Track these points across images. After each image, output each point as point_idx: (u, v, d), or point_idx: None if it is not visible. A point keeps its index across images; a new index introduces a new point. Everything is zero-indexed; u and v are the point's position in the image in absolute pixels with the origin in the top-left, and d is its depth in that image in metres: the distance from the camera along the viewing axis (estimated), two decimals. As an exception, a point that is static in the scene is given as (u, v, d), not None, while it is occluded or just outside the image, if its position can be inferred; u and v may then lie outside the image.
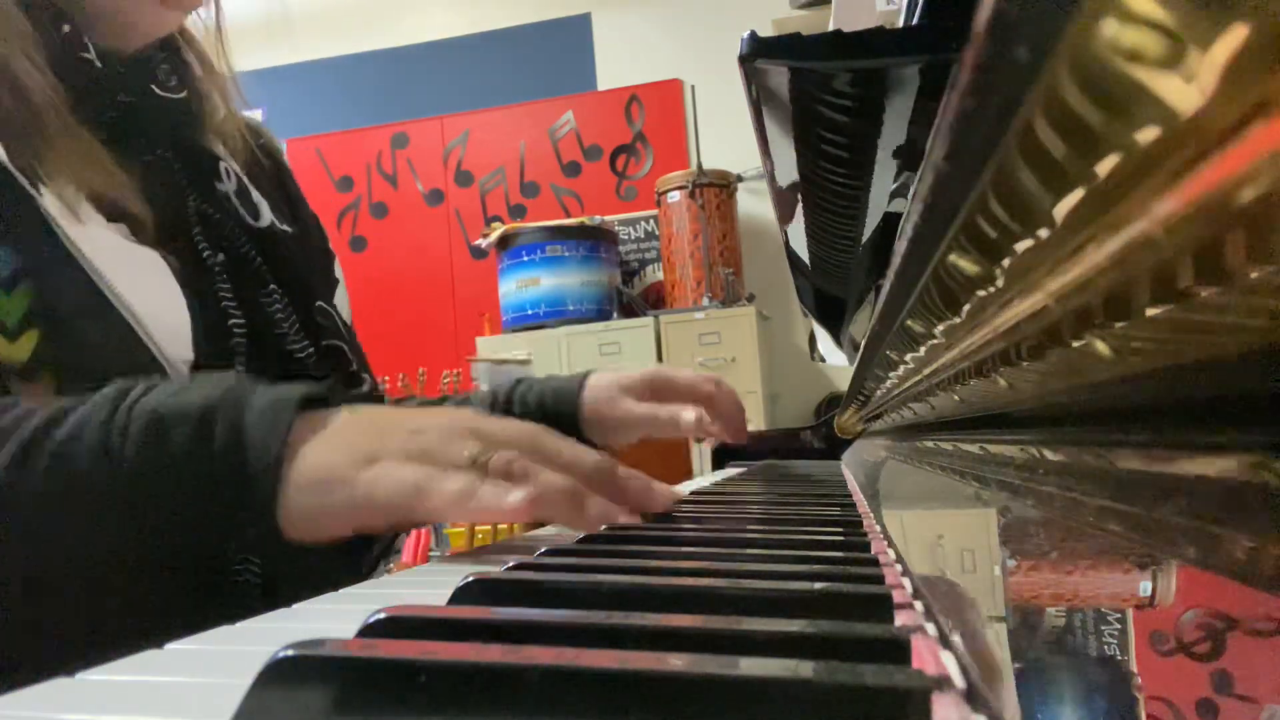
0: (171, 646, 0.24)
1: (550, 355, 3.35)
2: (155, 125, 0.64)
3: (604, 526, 0.45)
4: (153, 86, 0.64)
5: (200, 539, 0.42)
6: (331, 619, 0.29)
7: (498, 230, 3.51)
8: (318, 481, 0.41)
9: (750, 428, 1.01)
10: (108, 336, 0.51)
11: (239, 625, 0.27)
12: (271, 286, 0.65)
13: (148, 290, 0.54)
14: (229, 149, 0.70)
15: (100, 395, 0.43)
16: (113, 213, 0.56)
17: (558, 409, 0.82)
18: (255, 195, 0.69)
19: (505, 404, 0.84)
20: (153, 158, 0.63)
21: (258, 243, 0.66)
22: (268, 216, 0.69)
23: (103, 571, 0.43)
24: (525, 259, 3.43)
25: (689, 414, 0.80)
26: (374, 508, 0.41)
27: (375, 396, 0.75)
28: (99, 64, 0.59)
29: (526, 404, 0.83)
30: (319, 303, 0.70)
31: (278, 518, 0.41)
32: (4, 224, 0.49)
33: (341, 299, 0.78)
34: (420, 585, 0.36)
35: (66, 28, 0.58)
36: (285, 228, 0.71)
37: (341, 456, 0.41)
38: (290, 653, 0.17)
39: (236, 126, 0.72)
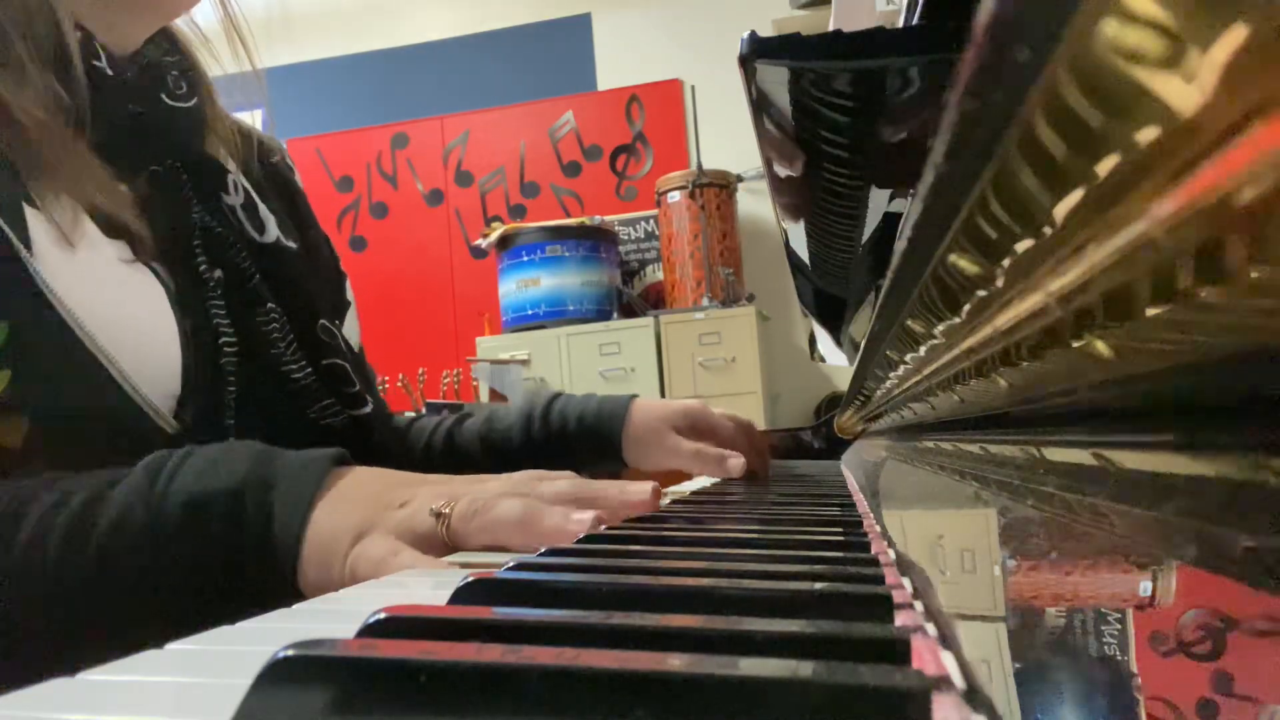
0: (171, 647, 0.24)
1: (550, 355, 3.35)
2: (164, 135, 0.63)
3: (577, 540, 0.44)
4: (163, 96, 0.63)
5: (233, 598, 0.45)
6: (331, 619, 0.29)
7: (498, 230, 3.51)
8: (321, 555, 0.45)
9: None
10: (80, 377, 0.50)
11: (239, 625, 0.27)
12: (269, 305, 0.64)
13: (134, 322, 0.54)
14: (231, 156, 0.69)
15: (135, 476, 0.46)
16: (111, 229, 0.55)
17: (599, 427, 0.83)
18: (263, 210, 0.69)
19: (543, 417, 0.84)
20: (160, 168, 0.63)
21: (260, 258, 0.65)
22: (273, 232, 0.68)
23: (138, 619, 0.45)
24: (525, 259, 3.43)
25: (736, 461, 0.81)
26: (356, 582, 0.44)
27: (381, 418, 0.75)
28: (110, 72, 0.58)
29: (565, 418, 0.83)
30: (322, 321, 0.68)
31: (300, 584, 0.45)
32: None
33: (352, 322, 0.77)
34: (420, 585, 0.36)
35: (79, 33, 0.56)
36: (290, 244, 0.70)
37: (341, 529, 0.45)
38: (290, 653, 0.17)
39: (232, 136, 0.71)
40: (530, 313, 3.42)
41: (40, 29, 0.54)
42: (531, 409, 0.85)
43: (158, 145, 0.63)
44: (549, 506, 0.46)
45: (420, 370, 3.39)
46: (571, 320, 3.38)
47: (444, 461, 0.85)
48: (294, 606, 0.31)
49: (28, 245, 0.50)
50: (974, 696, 0.18)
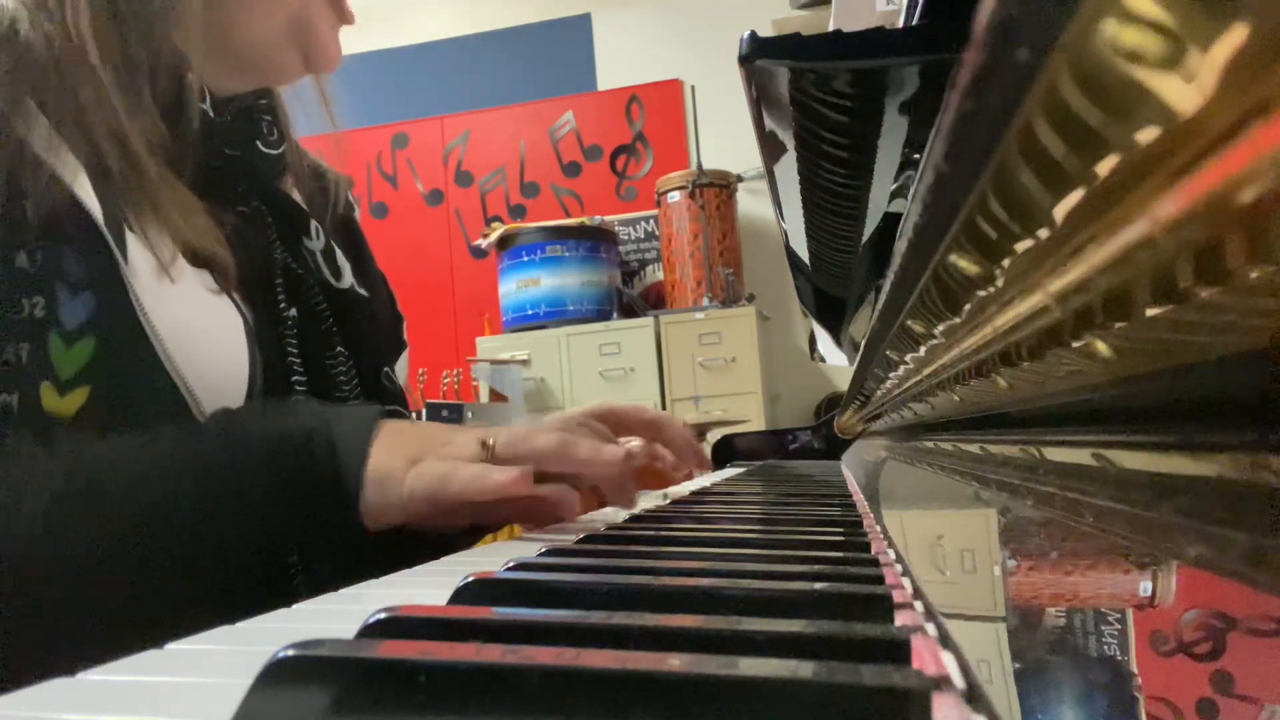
0: (171, 646, 0.24)
1: (550, 356, 3.35)
2: (254, 178, 0.65)
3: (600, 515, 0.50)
4: (257, 141, 0.65)
5: (302, 528, 0.51)
6: (331, 619, 0.29)
7: (498, 230, 3.51)
8: (379, 479, 0.50)
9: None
10: (153, 400, 0.52)
11: (239, 625, 0.27)
12: (339, 349, 0.66)
13: (211, 351, 0.55)
14: (303, 195, 0.72)
15: (212, 424, 0.51)
16: (198, 258, 0.57)
17: None
18: (339, 256, 0.71)
19: None
20: (248, 209, 0.64)
21: (334, 303, 0.67)
22: (349, 279, 0.70)
23: (224, 546, 0.49)
24: (525, 259, 3.43)
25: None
26: (415, 499, 0.49)
27: None
28: (212, 114, 0.61)
29: None
30: (385, 369, 0.71)
31: (361, 508, 0.49)
32: (85, 272, 0.50)
33: (402, 364, 0.79)
34: (420, 585, 0.36)
35: (190, 77, 0.59)
36: (363, 291, 0.72)
37: (396, 459, 0.50)
38: (290, 653, 0.17)
39: (311, 176, 0.74)
40: (530, 313, 3.42)
41: (164, 72, 0.57)
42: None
43: (248, 186, 0.65)
44: (585, 440, 0.52)
45: (420, 370, 3.39)
46: (571, 320, 3.38)
47: None
48: (294, 606, 0.31)
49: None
50: (974, 696, 0.18)
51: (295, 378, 0.62)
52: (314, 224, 0.69)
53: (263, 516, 0.49)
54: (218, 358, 0.56)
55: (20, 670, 0.21)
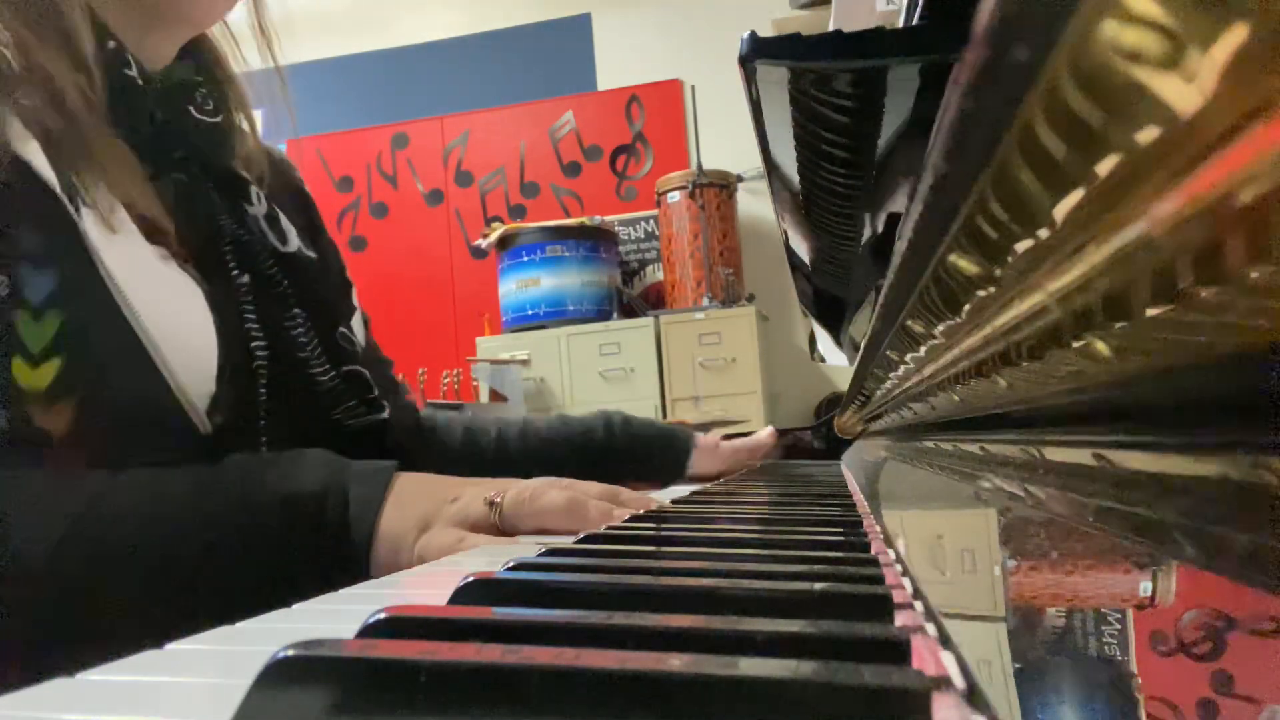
0: (171, 647, 0.24)
1: (550, 355, 3.35)
2: (189, 145, 0.65)
3: (604, 527, 0.50)
4: (190, 109, 0.65)
5: (312, 580, 0.52)
6: (331, 619, 0.29)
7: (498, 230, 3.51)
8: (390, 546, 0.51)
9: (749, 428, 1.11)
10: (129, 368, 0.52)
11: (239, 625, 0.27)
12: (295, 310, 0.66)
13: (177, 319, 0.56)
14: (254, 175, 0.72)
15: (227, 475, 0.51)
16: (149, 230, 0.57)
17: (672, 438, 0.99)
18: (283, 221, 0.71)
19: (606, 432, 0.96)
20: (186, 176, 0.64)
21: (283, 267, 0.68)
22: (294, 242, 0.71)
23: (230, 598, 0.50)
24: (525, 259, 3.43)
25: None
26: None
27: (399, 420, 0.76)
28: (140, 81, 0.60)
29: (629, 431, 0.97)
30: (341, 329, 0.71)
31: (371, 571, 0.51)
32: (47, 246, 0.50)
33: (358, 325, 0.79)
34: (420, 585, 0.36)
35: (112, 44, 0.58)
36: (310, 254, 0.72)
37: (407, 523, 0.51)
38: (290, 653, 0.17)
39: (261, 154, 0.73)
40: (530, 313, 3.42)
41: (68, 27, 0.56)
42: (607, 418, 0.98)
43: (182, 153, 0.64)
44: (592, 500, 0.52)
45: (420, 370, 3.39)
46: (571, 320, 3.38)
47: (498, 463, 0.93)
48: (294, 606, 0.31)
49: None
50: (974, 696, 0.18)
51: (255, 343, 0.63)
52: (254, 190, 0.69)
53: (268, 569, 0.50)
54: (181, 326, 0.56)
55: (18, 669, 0.21)
